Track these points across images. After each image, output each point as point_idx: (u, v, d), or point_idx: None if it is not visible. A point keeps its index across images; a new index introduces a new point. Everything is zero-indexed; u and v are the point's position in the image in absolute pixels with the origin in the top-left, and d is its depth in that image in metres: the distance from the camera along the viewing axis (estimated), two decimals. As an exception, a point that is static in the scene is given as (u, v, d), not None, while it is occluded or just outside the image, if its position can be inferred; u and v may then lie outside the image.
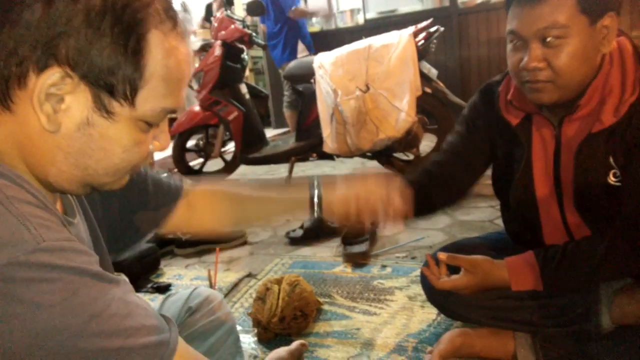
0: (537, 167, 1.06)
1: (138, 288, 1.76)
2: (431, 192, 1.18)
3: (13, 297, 0.42)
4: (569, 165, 1.01)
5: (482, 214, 2.28)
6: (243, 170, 3.77)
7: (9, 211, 0.45)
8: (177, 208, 0.86)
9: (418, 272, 1.68)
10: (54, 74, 0.49)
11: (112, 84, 0.51)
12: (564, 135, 1.02)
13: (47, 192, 0.56)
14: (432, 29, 2.74)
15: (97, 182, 0.57)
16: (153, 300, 1.66)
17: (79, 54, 0.49)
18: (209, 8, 5.06)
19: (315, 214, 0.89)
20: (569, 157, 1.01)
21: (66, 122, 0.51)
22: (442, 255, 1.09)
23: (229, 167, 3.58)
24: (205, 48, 3.44)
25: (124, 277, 0.53)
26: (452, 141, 1.21)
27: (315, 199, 0.89)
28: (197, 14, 5.06)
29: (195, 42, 4.46)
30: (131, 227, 0.83)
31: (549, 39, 0.90)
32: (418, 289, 1.55)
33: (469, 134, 1.18)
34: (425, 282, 1.25)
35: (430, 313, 1.42)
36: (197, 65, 3.37)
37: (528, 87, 0.96)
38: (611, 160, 0.95)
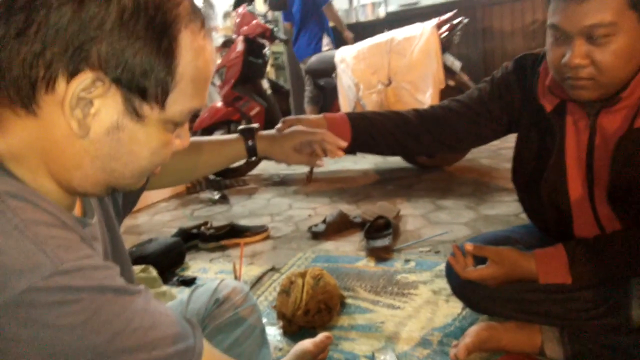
0: (570, 157, 1.04)
1: (164, 281, 1.79)
2: (419, 132, 1.16)
3: (35, 322, 0.42)
4: (604, 158, 0.98)
5: (507, 208, 2.25)
6: (264, 165, 3.79)
7: (25, 236, 0.44)
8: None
9: (442, 267, 1.67)
10: (86, 79, 0.47)
11: (145, 87, 0.50)
12: (599, 126, 0.99)
13: (67, 195, 0.56)
14: (456, 21, 2.70)
15: (121, 184, 0.56)
16: (179, 293, 1.69)
17: (112, 57, 0.48)
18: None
19: (248, 148, 0.98)
20: (605, 150, 0.98)
21: (95, 127, 0.50)
22: (469, 246, 1.08)
23: (251, 162, 3.61)
24: (227, 44, 3.47)
25: (143, 286, 0.52)
26: (471, 94, 1.18)
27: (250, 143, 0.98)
28: (219, 9, 5.04)
29: (217, 39, 4.49)
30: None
31: (595, 37, 0.85)
32: (442, 283, 1.54)
33: (490, 97, 1.15)
34: (451, 273, 1.24)
35: (455, 307, 1.41)
36: (219, 61, 3.40)
37: (569, 84, 0.93)
38: None
